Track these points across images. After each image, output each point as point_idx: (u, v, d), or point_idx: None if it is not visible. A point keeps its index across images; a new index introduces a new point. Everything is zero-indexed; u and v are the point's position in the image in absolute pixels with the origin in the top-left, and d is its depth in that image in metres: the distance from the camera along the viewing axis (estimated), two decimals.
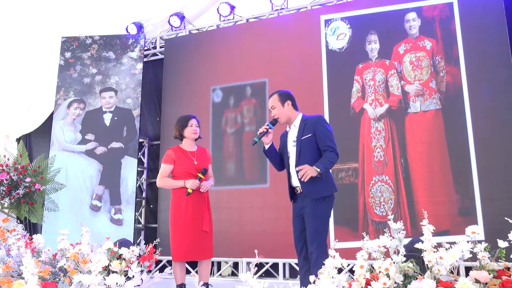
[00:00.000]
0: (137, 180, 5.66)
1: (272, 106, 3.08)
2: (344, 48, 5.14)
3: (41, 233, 4.78)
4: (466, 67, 4.59)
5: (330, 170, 2.94)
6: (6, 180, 5.02)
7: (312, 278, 1.90)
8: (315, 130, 2.91)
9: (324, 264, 2.31)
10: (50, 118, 6.17)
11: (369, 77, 4.95)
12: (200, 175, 3.41)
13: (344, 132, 4.88)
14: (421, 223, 2.03)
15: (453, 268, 1.86)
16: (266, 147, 3.08)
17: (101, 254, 2.39)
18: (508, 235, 1.95)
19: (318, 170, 2.78)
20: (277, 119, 3.06)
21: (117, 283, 2.20)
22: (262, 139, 3.02)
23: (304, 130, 2.96)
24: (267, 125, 3.01)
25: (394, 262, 1.90)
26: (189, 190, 3.37)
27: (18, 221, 5.35)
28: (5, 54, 6.11)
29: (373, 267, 1.94)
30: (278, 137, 3.18)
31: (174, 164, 3.47)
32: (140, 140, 6.00)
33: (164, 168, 3.49)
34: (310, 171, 2.78)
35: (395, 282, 1.85)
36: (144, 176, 6.21)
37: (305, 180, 2.79)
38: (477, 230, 1.95)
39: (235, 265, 5.39)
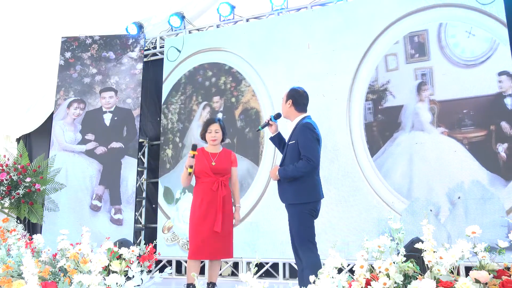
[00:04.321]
0: (137, 180, 5.66)
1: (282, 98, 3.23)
2: None
3: (41, 233, 4.78)
4: None
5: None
6: (6, 180, 5.03)
7: (312, 278, 1.90)
8: (298, 138, 2.95)
9: (311, 269, 2.46)
10: (50, 118, 6.17)
11: None
12: (192, 152, 3.42)
13: None
14: (421, 223, 2.03)
15: (453, 268, 1.86)
16: (272, 135, 3.25)
17: (101, 254, 2.39)
18: (509, 235, 1.95)
19: (277, 175, 2.98)
20: (280, 114, 3.21)
21: (117, 283, 2.20)
22: (268, 129, 3.24)
23: (292, 135, 3.02)
24: (270, 117, 3.22)
25: (394, 262, 1.90)
26: (189, 170, 3.41)
27: (18, 221, 5.35)
28: (5, 54, 6.11)
29: (373, 267, 1.94)
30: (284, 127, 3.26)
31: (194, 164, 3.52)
32: (140, 140, 6.00)
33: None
34: (273, 174, 3.01)
35: (395, 282, 1.85)
36: (144, 176, 6.21)
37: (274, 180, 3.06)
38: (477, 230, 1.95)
39: (235, 265, 5.39)
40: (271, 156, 5.20)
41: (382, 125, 4.79)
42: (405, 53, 4.80)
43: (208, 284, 3.46)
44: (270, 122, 3.22)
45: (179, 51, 6.03)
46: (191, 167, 3.42)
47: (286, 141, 3.12)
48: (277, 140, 3.24)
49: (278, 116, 3.22)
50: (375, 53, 4.94)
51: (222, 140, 3.61)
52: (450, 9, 4.66)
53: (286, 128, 3.17)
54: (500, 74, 4.37)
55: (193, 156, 3.42)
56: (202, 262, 5.31)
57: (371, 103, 4.88)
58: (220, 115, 5.62)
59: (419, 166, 4.53)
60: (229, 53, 5.73)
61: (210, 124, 3.54)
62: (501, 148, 4.26)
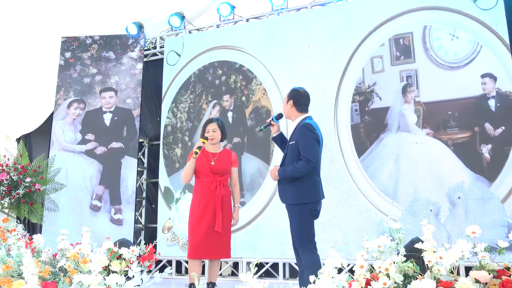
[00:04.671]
0: (137, 180, 5.66)
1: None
2: None
3: (41, 233, 4.78)
4: None
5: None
6: (6, 180, 5.03)
7: (312, 278, 1.90)
8: (298, 139, 2.97)
9: (311, 269, 2.51)
10: (50, 118, 6.17)
11: None
12: (202, 139, 3.49)
13: None
14: (421, 223, 2.03)
15: (453, 268, 1.86)
16: (274, 135, 3.28)
17: (101, 254, 2.39)
18: (509, 235, 1.95)
19: (277, 175, 3.00)
20: (282, 114, 3.25)
21: (117, 283, 2.20)
22: (271, 128, 3.27)
23: (293, 136, 3.04)
24: (272, 118, 3.25)
25: (394, 262, 1.90)
26: (196, 150, 3.42)
27: (18, 221, 5.36)
28: (5, 54, 6.11)
29: (373, 267, 1.94)
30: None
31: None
32: (140, 140, 6.00)
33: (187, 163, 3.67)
34: (272, 174, 3.04)
35: (395, 282, 1.86)
36: (144, 176, 6.21)
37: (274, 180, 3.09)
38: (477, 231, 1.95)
39: (235, 265, 5.39)
40: (281, 156, 5.20)
41: (369, 126, 4.85)
42: (391, 55, 4.86)
43: (208, 284, 3.47)
44: (271, 122, 3.24)
45: (179, 55, 6.02)
46: (199, 148, 3.42)
47: (287, 142, 3.13)
48: (279, 140, 3.26)
49: (279, 116, 3.25)
50: (362, 55, 4.99)
51: (222, 140, 3.63)
52: (434, 12, 4.71)
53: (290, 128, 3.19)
54: (484, 76, 4.43)
55: (203, 143, 3.46)
56: (203, 261, 5.31)
57: (358, 105, 4.94)
58: (230, 114, 5.60)
59: (405, 167, 4.58)
60: (238, 51, 5.68)
61: (208, 123, 3.59)
62: (485, 149, 4.33)
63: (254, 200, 5.22)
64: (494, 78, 4.37)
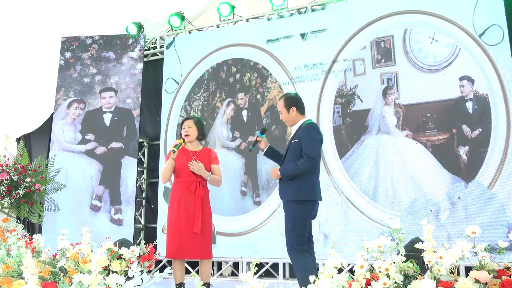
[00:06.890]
0: (137, 180, 5.65)
1: (279, 111, 3.28)
2: None
3: (41, 233, 4.77)
4: None
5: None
6: (6, 180, 5.02)
7: (312, 278, 1.90)
8: (301, 137, 3.03)
9: (298, 268, 2.65)
10: (50, 118, 6.16)
11: None
12: (179, 140, 3.59)
13: None
14: (421, 223, 2.03)
15: (453, 268, 1.86)
16: (264, 151, 3.36)
17: (101, 254, 2.39)
18: (509, 235, 1.95)
19: (279, 173, 3.05)
20: (265, 128, 3.42)
21: (117, 283, 2.20)
22: (259, 145, 3.35)
23: (296, 135, 3.11)
24: (256, 134, 3.36)
25: (394, 262, 1.90)
26: (173, 149, 3.50)
27: (18, 221, 5.35)
28: (5, 54, 6.10)
29: (373, 267, 1.94)
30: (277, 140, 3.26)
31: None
32: (140, 140, 6.00)
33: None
34: (273, 173, 3.11)
35: (395, 282, 1.86)
36: (144, 176, 6.21)
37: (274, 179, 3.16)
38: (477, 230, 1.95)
39: (235, 265, 5.39)
40: None
41: (350, 128, 4.90)
42: (372, 58, 4.92)
43: (203, 285, 3.48)
44: (258, 138, 3.35)
45: (177, 83, 5.98)
46: (176, 147, 3.51)
47: (289, 141, 3.19)
48: (271, 154, 3.35)
49: (263, 131, 3.38)
50: (344, 58, 5.05)
51: (200, 139, 3.71)
52: (414, 15, 4.76)
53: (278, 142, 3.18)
54: (461, 79, 4.48)
55: (180, 143, 3.55)
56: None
57: (339, 107, 4.99)
58: (244, 113, 5.54)
59: (385, 168, 4.64)
60: (252, 48, 5.62)
61: (184, 120, 3.71)
62: (462, 151, 4.39)
63: (269, 200, 5.16)
64: (471, 80, 4.43)
